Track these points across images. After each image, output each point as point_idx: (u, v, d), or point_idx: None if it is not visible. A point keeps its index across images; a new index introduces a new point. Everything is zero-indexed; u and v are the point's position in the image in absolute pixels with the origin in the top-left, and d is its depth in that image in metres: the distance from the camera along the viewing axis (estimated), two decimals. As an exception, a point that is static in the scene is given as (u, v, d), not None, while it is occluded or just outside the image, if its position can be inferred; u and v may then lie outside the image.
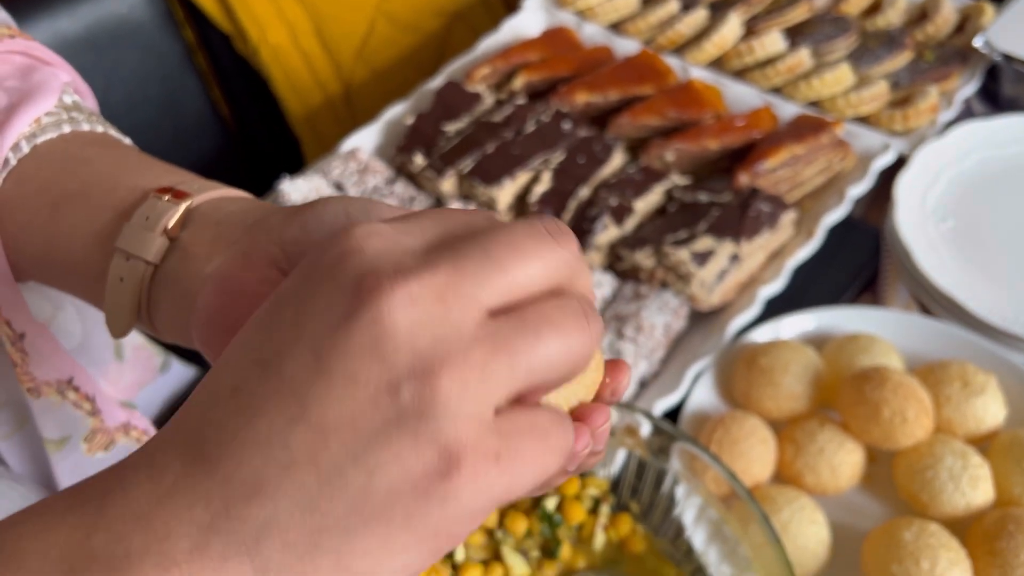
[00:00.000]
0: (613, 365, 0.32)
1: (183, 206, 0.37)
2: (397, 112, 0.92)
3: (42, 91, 0.43)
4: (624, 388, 0.33)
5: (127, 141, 0.45)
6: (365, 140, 0.89)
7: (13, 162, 0.41)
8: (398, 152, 0.86)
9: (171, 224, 0.37)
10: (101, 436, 0.49)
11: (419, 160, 0.84)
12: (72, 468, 0.50)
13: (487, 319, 0.25)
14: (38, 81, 0.44)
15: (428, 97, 0.92)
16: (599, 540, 0.58)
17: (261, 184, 0.87)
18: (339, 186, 0.84)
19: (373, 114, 0.93)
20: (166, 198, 0.37)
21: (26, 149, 0.42)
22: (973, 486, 0.59)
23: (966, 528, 0.59)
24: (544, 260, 0.26)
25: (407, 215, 0.27)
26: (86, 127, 0.44)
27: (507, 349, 0.24)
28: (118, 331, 0.39)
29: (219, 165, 1.12)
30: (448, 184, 0.82)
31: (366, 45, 1.12)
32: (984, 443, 0.63)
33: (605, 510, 0.59)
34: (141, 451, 0.26)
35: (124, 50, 1.01)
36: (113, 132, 0.45)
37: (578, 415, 0.30)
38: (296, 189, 0.81)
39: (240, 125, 1.14)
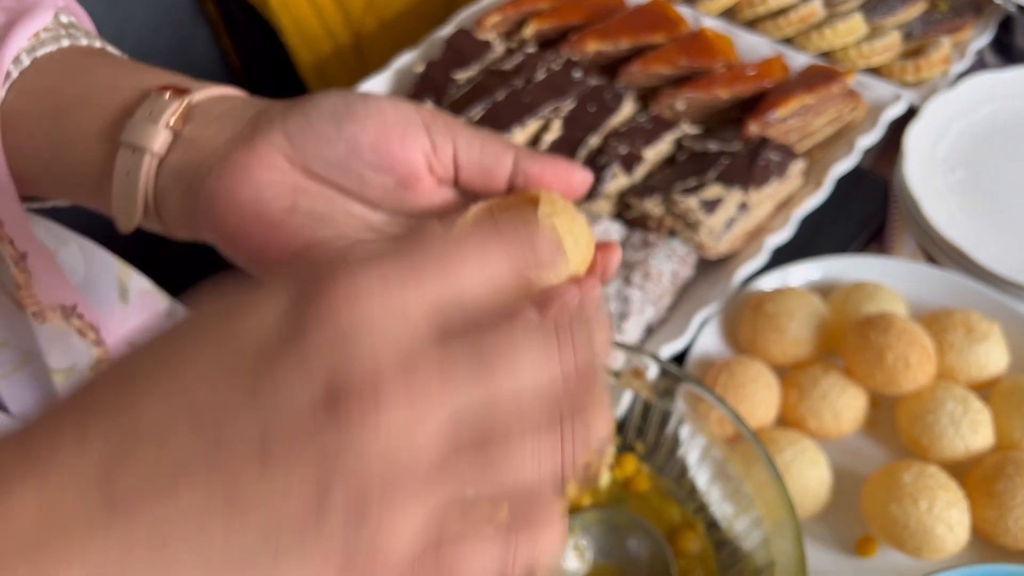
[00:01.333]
0: (604, 245, 0.34)
1: (185, 100, 0.38)
2: (407, 60, 0.92)
3: (37, 9, 0.44)
4: (614, 267, 0.34)
5: (125, 57, 0.45)
6: (375, 88, 0.89)
7: (15, 74, 0.42)
8: (408, 100, 0.86)
9: (174, 118, 0.38)
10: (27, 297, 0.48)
11: (429, 107, 0.84)
12: None
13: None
14: (32, 1, 0.45)
15: (438, 45, 0.92)
16: (604, 479, 0.59)
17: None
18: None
19: (383, 63, 0.93)
20: (167, 95, 0.39)
21: (26, 62, 0.42)
22: (973, 430, 0.60)
23: (965, 471, 0.60)
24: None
25: (399, 253, 0.24)
26: (84, 42, 0.45)
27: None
28: (125, 224, 0.40)
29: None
30: (458, 132, 0.82)
31: (375, -7, 1.11)
32: (986, 389, 0.64)
33: (610, 449, 0.60)
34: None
35: (135, 1, 1.01)
36: (111, 48, 0.46)
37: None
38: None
39: (250, 74, 1.14)
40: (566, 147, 0.79)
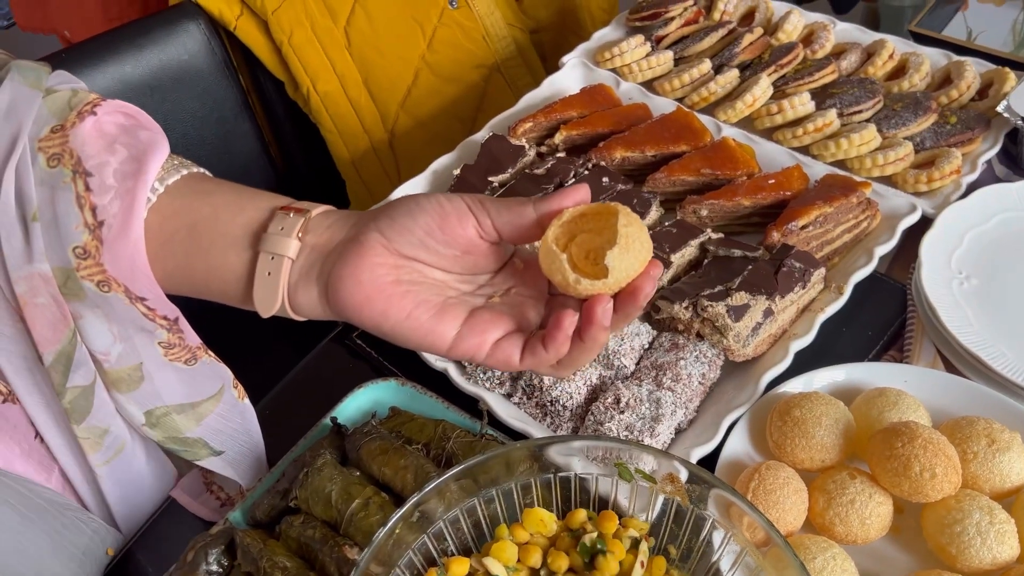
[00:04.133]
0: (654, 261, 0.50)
1: (305, 217, 0.54)
2: (443, 163, 0.96)
3: (155, 145, 0.57)
4: (659, 272, 0.51)
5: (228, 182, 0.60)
6: (413, 189, 0.93)
7: (154, 199, 0.56)
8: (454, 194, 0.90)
9: (300, 231, 0.54)
10: (179, 350, 0.62)
11: (469, 195, 0.88)
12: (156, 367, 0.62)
13: None
14: (146, 138, 0.57)
15: (471, 148, 0.97)
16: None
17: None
18: (388, 232, 0.88)
19: (414, 159, 0.98)
20: (291, 213, 0.55)
21: (160, 188, 0.57)
22: (1000, 541, 0.61)
23: (992, 581, 0.62)
24: None
25: None
26: (196, 170, 0.60)
27: None
28: (267, 311, 0.55)
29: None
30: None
31: (410, 95, 1.17)
32: (1009, 498, 0.66)
33: (644, 548, 0.61)
34: None
35: (184, 94, 1.06)
36: (206, 172, 0.61)
37: (630, 287, 0.49)
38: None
39: (289, 167, 1.19)
40: (597, 250, 0.82)
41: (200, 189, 0.57)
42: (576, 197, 0.52)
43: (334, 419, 0.72)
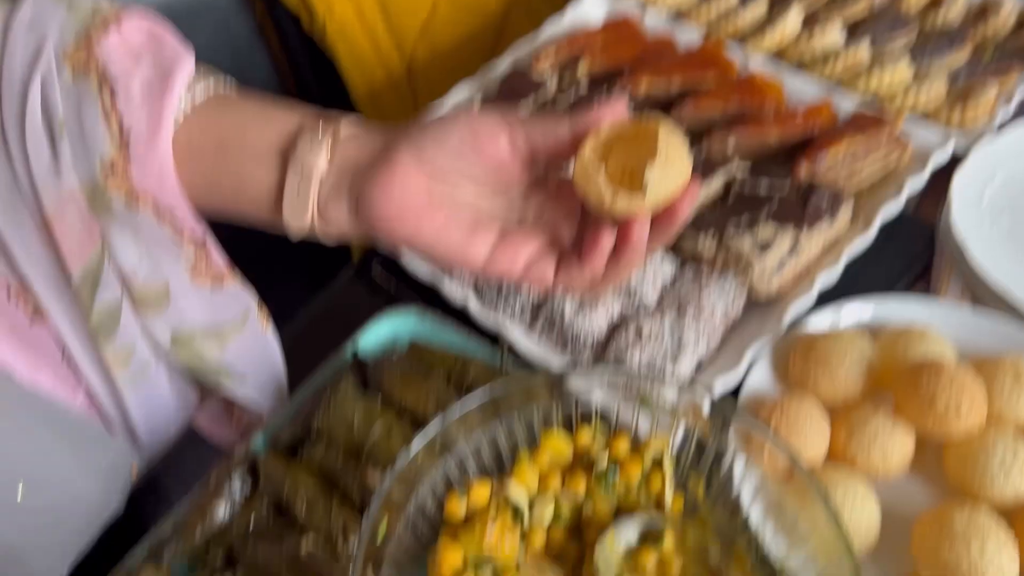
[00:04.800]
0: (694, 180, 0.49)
1: (335, 129, 0.53)
2: (462, 96, 0.94)
3: (181, 57, 0.56)
4: (695, 197, 0.50)
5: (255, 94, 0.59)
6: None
7: (181, 113, 0.55)
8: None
9: (330, 146, 0.52)
10: (207, 268, 0.61)
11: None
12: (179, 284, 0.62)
13: None
14: (172, 50, 0.57)
15: (491, 82, 0.95)
16: (669, 501, 0.61)
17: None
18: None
19: (433, 91, 0.96)
20: (320, 127, 0.53)
21: (187, 101, 0.56)
22: (1023, 475, 0.61)
23: (1013, 515, 0.61)
24: None
25: None
26: (220, 79, 0.59)
27: None
28: (297, 230, 0.54)
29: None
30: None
31: (428, 25, 1.14)
32: (1034, 435, 0.65)
33: (668, 465, 0.61)
34: None
35: (197, 26, 1.04)
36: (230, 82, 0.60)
37: (668, 207, 0.49)
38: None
39: (306, 101, 1.18)
40: (620, 183, 0.81)
41: (226, 102, 0.56)
42: (614, 112, 0.50)
43: (355, 353, 0.72)
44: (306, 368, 0.75)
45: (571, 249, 0.53)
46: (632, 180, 0.50)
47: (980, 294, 0.77)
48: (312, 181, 0.53)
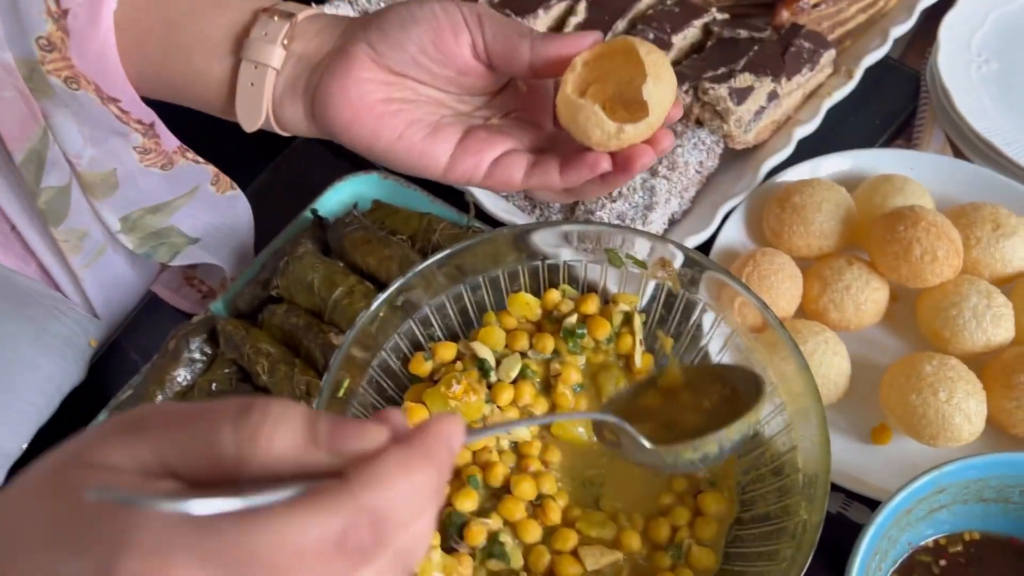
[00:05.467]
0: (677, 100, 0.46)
1: (292, 22, 0.49)
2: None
3: None
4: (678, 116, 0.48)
5: None
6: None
7: None
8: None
9: (286, 38, 0.49)
10: (155, 155, 0.58)
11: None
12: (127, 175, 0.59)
13: None
14: None
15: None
16: (638, 359, 0.60)
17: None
18: (364, 12, 0.81)
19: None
20: (276, 17, 0.49)
21: None
22: (995, 324, 0.60)
23: (984, 364, 0.61)
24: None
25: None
26: None
27: None
28: (250, 125, 0.51)
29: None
30: (478, 15, 0.79)
31: None
32: (1009, 284, 0.64)
33: (638, 323, 0.60)
34: None
35: None
36: None
37: (655, 136, 0.46)
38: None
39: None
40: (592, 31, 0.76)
41: None
42: (584, 44, 0.46)
43: (314, 211, 0.69)
44: (268, 230, 0.72)
45: (544, 154, 0.50)
46: (624, 107, 0.47)
47: (962, 144, 0.75)
48: (266, 77, 0.49)
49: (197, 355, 0.63)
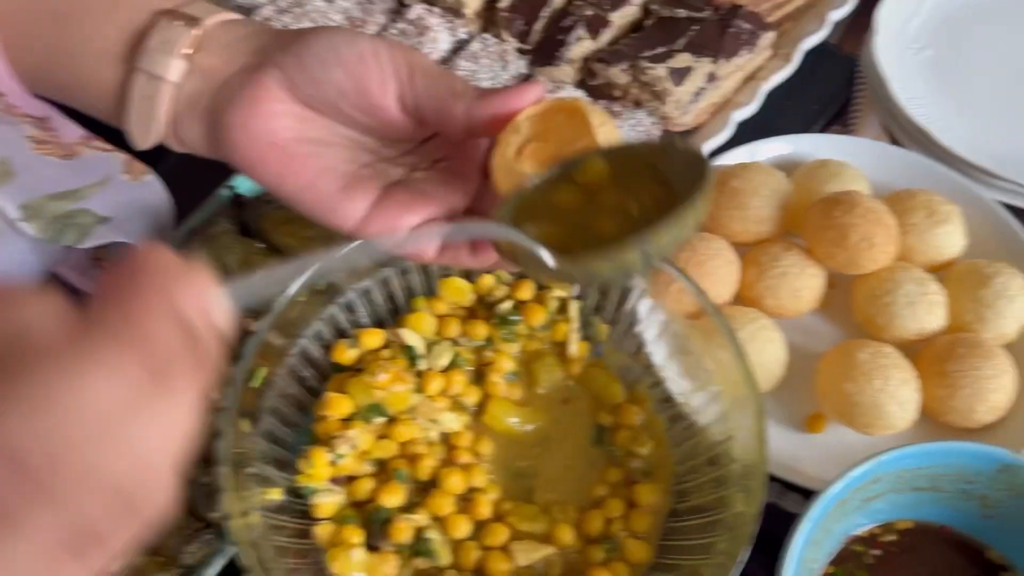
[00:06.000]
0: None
1: (196, 31, 0.42)
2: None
3: None
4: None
5: None
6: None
7: None
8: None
9: (189, 48, 0.42)
10: (53, 146, 0.54)
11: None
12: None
13: None
14: None
15: None
16: (574, 347, 0.58)
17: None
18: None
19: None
20: (178, 22, 0.42)
21: None
22: (928, 311, 0.60)
23: (917, 351, 0.61)
24: None
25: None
26: None
27: None
28: (142, 143, 0.44)
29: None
30: (410, -14, 0.76)
31: None
32: (942, 271, 0.64)
33: (575, 309, 0.58)
34: None
35: None
36: None
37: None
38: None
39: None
40: (527, 6, 0.73)
41: None
42: (525, 100, 0.39)
43: (231, 187, 0.65)
44: (183, 210, 0.68)
45: (465, 216, 0.43)
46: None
47: (897, 131, 0.74)
48: (162, 91, 0.42)
49: (103, 342, 0.59)
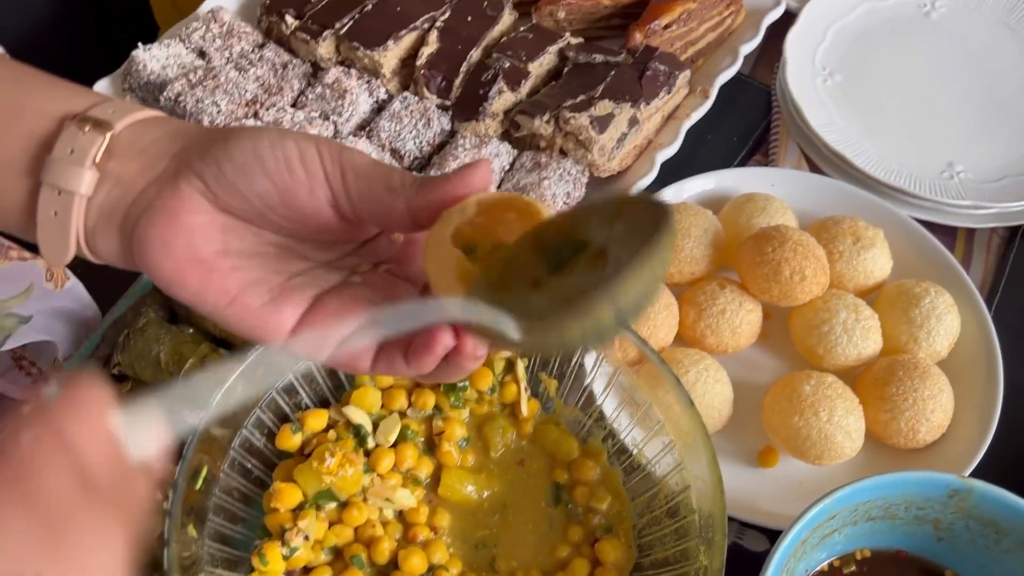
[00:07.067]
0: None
1: (107, 136, 0.38)
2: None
3: None
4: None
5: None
6: (225, 2, 0.80)
7: None
8: (264, 12, 0.78)
9: (99, 157, 0.38)
10: None
11: (290, 20, 0.76)
12: None
13: None
14: None
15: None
16: (525, 407, 0.57)
17: (110, 53, 0.77)
18: (202, 52, 0.75)
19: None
20: (87, 128, 0.39)
21: None
22: (865, 337, 0.61)
23: (856, 376, 0.62)
24: None
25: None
26: None
27: None
28: (57, 260, 0.40)
29: (55, 33, 0.99)
30: (325, 48, 0.75)
31: None
32: (872, 295, 0.66)
33: (521, 370, 0.58)
34: None
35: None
36: None
37: None
38: (153, 58, 0.72)
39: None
40: (446, 62, 0.73)
41: None
42: (472, 184, 0.36)
43: (157, 273, 0.63)
44: (107, 296, 0.65)
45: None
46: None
47: (816, 157, 0.76)
48: (73, 205, 0.39)
49: (30, 450, 0.56)
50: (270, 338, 0.38)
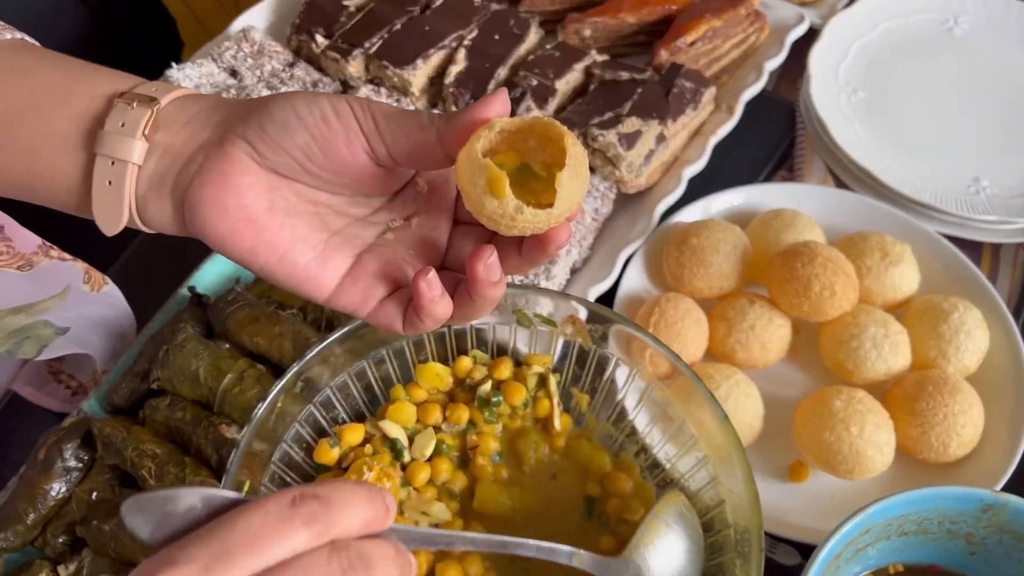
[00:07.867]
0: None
1: (154, 109, 0.41)
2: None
3: None
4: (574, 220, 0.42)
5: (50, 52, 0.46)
6: (257, 19, 0.81)
7: None
8: (294, 31, 0.79)
9: (148, 129, 0.41)
10: (9, 257, 0.53)
11: (320, 40, 0.77)
12: None
13: None
14: None
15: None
16: (558, 422, 0.58)
17: (138, 70, 0.78)
18: (234, 71, 0.76)
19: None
20: (135, 104, 0.41)
21: None
22: (894, 352, 0.62)
23: (886, 391, 0.62)
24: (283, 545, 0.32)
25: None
26: (9, 36, 0.45)
27: None
28: (111, 228, 0.43)
29: (83, 50, 1.00)
30: (355, 66, 0.76)
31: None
32: (900, 309, 0.66)
33: (553, 384, 0.58)
34: None
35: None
36: (28, 38, 0.46)
37: (552, 232, 0.39)
38: (187, 77, 0.74)
39: (105, 5, 1.02)
40: (474, 80, 0.74)
41: (14, 66, 0.44)
42: (493, 109, 0.39)
43: (192, 288, 0.64)
44: (141, 310, 0.66)
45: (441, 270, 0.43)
46: (526, 193, 0.40)
47: (842, 172, 0.77)
48: (126, 175, 0.42)
49: (72, 462, 0.57)
50: (316, 294, 0.42)
